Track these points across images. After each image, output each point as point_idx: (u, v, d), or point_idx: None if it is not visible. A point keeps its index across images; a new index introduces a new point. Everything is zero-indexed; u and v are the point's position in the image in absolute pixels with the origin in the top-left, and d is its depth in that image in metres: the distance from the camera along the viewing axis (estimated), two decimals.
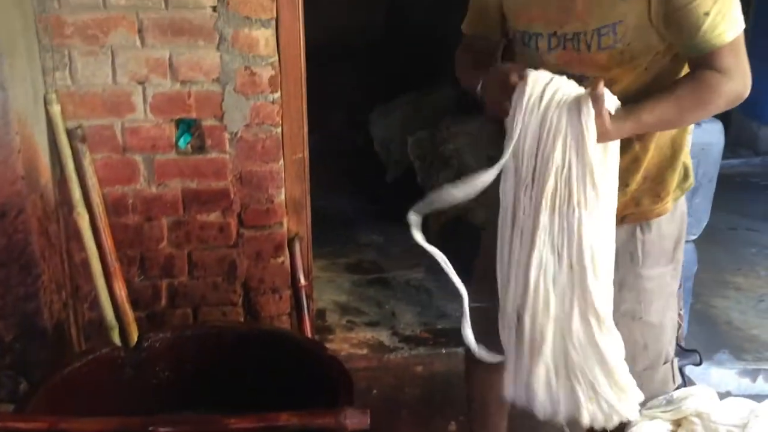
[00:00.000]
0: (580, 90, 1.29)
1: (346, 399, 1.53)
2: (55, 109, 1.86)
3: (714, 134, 2.40)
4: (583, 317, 1.33)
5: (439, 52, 3.21)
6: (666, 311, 1.54)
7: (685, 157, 1.50)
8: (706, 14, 1.23)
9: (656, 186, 1.45)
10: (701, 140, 2.34)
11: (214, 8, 1.88)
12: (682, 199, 1.54)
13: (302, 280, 2.16)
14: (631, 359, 1.44)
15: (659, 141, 1.43)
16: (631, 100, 1.33)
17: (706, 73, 1.28)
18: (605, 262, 1.32)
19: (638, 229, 1.48)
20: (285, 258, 2.15)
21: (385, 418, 1.97)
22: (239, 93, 1.96)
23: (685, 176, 1.50)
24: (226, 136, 2.00)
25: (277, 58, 1.95)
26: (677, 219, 1.52)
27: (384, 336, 2.54)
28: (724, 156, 2.55)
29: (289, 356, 1.80)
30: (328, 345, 2.42)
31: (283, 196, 2.10)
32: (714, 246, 3.23)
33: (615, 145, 1.32)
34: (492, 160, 1.32)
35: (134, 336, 1.90)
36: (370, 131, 4.10)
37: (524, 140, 1.29)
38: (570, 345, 1.34)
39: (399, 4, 5.16)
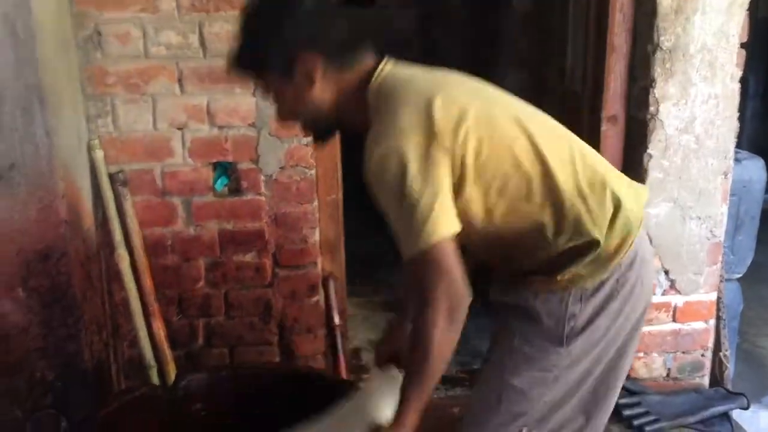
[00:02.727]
0: None
1: None
2: (98, 154, 1.93)
3: (755, 171, 2.34)
4: None
5: None
6: (535, 386, 1.36)
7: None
8: None
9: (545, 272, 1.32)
10: (742, 177, 2.29)
11: None
12: (610, 281, 1.30)
13: (337, 320, 2.17)
14: (482, 405, 1.42)
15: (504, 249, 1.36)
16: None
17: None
18: None
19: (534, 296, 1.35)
20: (319, 297, 2.17)
21: None
22: (274, 137, 2.01)
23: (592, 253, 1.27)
24: (262, 178, 2.04)
25: None
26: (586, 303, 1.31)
27: None
28: None
29: (324, 397, 1.80)
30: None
31: (317, 237, 2.12)
32: (760, 283, 3.13)
33: None
34: None
35: (172, 375, 1.93)
36: None
37: None
38: None
39: (432, 44, 5.23)
